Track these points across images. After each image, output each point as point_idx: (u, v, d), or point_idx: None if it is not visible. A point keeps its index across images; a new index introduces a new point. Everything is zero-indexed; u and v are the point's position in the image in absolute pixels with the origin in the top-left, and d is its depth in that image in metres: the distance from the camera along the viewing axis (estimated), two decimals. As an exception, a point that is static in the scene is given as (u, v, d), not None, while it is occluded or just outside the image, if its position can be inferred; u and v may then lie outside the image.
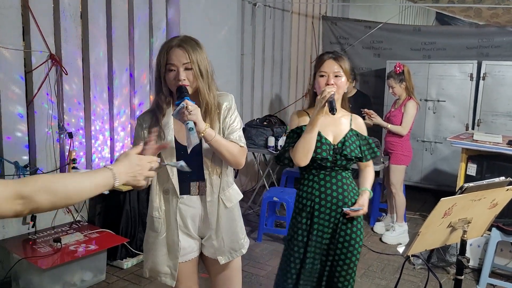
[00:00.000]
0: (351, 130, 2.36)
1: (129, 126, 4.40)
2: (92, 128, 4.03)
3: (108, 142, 4.22)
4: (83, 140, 3.98)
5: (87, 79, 3.96)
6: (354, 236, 2.31)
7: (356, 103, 4.65)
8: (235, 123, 2.04)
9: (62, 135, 3.76)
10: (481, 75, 5.64)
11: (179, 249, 2.04)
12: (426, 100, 5.94)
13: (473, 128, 5.70)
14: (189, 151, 1.87)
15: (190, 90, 1.90)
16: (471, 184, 1.84)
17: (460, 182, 4.07)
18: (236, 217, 2.14)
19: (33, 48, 3.51)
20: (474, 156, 4.04)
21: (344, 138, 2.31)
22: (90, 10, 3.89)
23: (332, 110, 2.12)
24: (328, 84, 2.23)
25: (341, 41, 7.23)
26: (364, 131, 2.42)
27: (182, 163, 1.69)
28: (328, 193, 2.28)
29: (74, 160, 3.77)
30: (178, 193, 2.01)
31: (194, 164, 1.90)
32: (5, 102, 3.36)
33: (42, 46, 3.55)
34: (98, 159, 4.12)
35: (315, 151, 2.24)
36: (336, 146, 2.28)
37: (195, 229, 2.10)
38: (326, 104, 2.14)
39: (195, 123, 1.82)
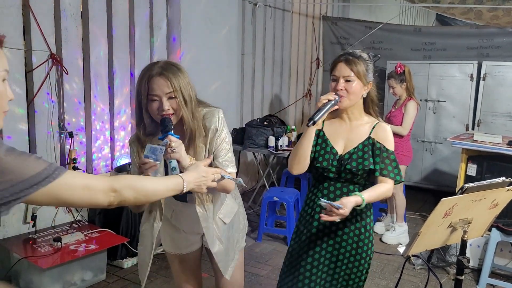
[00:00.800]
0: (369, 139, 2.11)
1: (130, 125, 4.40)
2: (93, 127, 4.03)
3: (109, 142, 4.23)
4: (84, 139, 3.98)
5: (88, 78, 3.96)
6: (360, 251, 2.16)
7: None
8: (223, 145, 1.94)
9: (62, 135, 3.76)
10: (481, 75, 5.64)
11: (149, 260, 2.04)
12: (426, 101, 5.95)
13: (473, 129, 5.70)
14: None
15: (175, 119, 1.83)
16: (471, 185, 1.85)
17: (460, 182, 4.08)
18: (235, 226, 2.16)
19: (34, 48, 3.51)
20: (474, 156, 4.04)
21: (354, 148, 2.10)
22: (91, 10, 3.89)
23: (310, 120, 1.96)
24: (336, 89, 2.06)
25: (342, 41, 7.23)
26: (386, 142, 2.11)
27: (240, 180, 1.84)
28: None
29: (74, 160, 3.78)
30: (160, 220, 2.00)
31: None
32: (6, 102, 3.36)
33: (43, 45, 3.55)
34: (99, 159, 4.12)
35: (317, 160, 2.12)
36: (341, 157, 2.10)
37: (194, 228, 2.09)
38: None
39: (178, 161, 1.77)
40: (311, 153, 2.12)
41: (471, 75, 5.70)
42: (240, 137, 5.17)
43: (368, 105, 2.19)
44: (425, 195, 5.96)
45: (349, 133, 2.14)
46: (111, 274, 3.59)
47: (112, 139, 4.25)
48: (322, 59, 7.56)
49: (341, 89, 2.06)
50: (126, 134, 4.35)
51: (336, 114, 2.17)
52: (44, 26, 3.53)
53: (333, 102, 2.03)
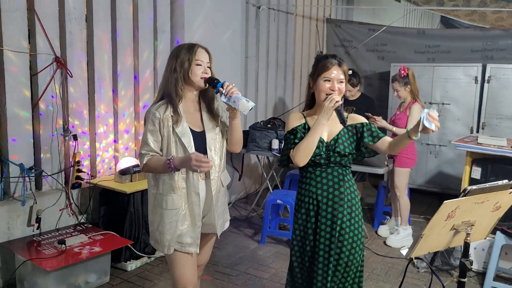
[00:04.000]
0: (348, 127, 2.40)
1: (133, 128, 4.42)
2: (97, 130, 4.05)
3: (113, 145, 4.24)
4: (88, 142, 4.00)
5: (92, 81, 3.98)
6: (357, 232, 2.36)
7: (360, 106, 4.65)
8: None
9: (66, 137, 3.78)
10: (486, 78, 5.63)
11: (200, 219, 2.32)
12: (430, 103, 5.93)
13: (477, 131, 5.68)
14: (246, 113, 2.20)
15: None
16: (474, 187, 1.84)
17: (464, 185, 4.06)
18: (225, 194, 2.53)
19: (39, 51, 3.53)
20: (479, 159, 4.03)
21: (337, 135, 2.36)
22: (95, 13, 3.92)
23: (344, 123, 2.23)
24: (333, 90, 2.28)
25: (345, 44, 7.23)
26: (359, 120, 2.41)
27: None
28: (324, 189, 2.33)
29: (78, 162, 3.79)
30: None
31: (200, 151, 2.19)
32: (11, 104, 3.39)
33: (48, 48, 3.58)
34: (102, 162, 4.14)
35: None
36: (328, 143, 2.34)
37: (202, 211, 2.35)
38: (334, 112, 2.23)
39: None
40: (294, 143, 2.34)
41: (476, 78, 5.69)
42: (243, 139, 5.16)
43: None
44: (429, 198, 5.94)
45: (330, 125, 2.34)
46: (115, 276, 3.60)
47: (115, 141, 4.27)
48: (326, 62, 7.54)
49: (337, 90, 2.28)
50: (129, 136, 4.37)
51: (315, 110, 2.41)
52: (48, 29, 3.56)
53: (341, 103, 2.26)
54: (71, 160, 3.80)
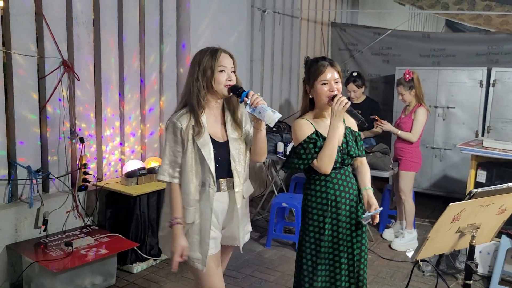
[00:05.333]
0: (347, 128, 2.47)
1: (139, 131, 4.44)
2: (103, 133, 4.08)
3: (119, 148, 4.27)
4: (94, 145, 4.03)
5: (99, 85, 4.01)
6: (363, 230, 2.47)
7: (366, 109, 4.66)
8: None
9: (73, 140, 3.81)
10: (491, 82, 5.62)
11: (209, 236, 2.21)
12: (435, 107, 5.93)
13: (482, 135, 5.67)
14: (272, 125, 2.09)
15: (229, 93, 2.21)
16: (479, 190, 1.85)
17: (469, 189, 4.06)
18: (247, 205, 2.43)
19: (46, 54, 3.57)
20: (484, 163, 4.03)
21: (345, 138, 2.42)
22: (102, 17, 3.95)
23: (364, 123, 2.29)
24: (332, 91, 2.32)
25: (350, 48, 7.24)
26: (356, 128, 2.53)
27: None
28: (341, 189, 2.39)
29: (85, 165, 3.82)
30: (215, 184, 2.19)
31: (224, 163, 2.21)
32: (19, 107, 3.42)
33: (55, 52, 3.61)
34: (109, 164, 4.16)
35: None
36: (341, 147, 2.38)
37: (221, 223, 2.30)
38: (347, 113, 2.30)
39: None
40: (315, 152, 2.34)
41: (481, 82, 5.68)
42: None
43: None
44: (434, 202, 5.93)
45: None
46: (120, 278, 3.62)
47: (122, 144, 4.30)
48: (330, 65, 7.55)
49: (336, 91, 2.32)
50: (136, 139, 4.39)
51: (317, 114, 2.45)
52: (56, 33, 3.60)
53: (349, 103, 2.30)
54: (77, 163, 3.83)
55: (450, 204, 1.80)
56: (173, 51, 4.71)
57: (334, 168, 2.36)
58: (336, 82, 2.34)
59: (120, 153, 4.28)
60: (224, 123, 2.28)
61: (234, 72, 2.24)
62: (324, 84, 2.33)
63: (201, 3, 4.74)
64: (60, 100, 3.69)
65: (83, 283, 3.31)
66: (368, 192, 2.45)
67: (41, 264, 3.10)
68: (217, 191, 2.21)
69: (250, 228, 2.49)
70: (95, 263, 3.35)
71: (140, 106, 4.43)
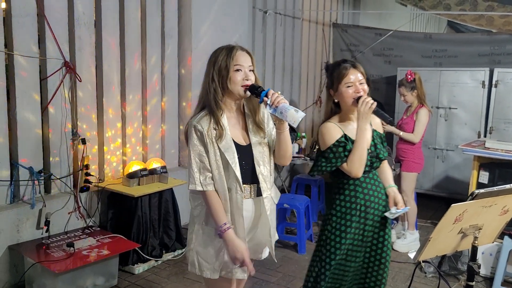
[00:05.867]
0: (374, 130, 2.43)
1: (141, 132, 4.45)
2: (105, 134, 4.08)
3: (121, 148, 4.27)
4: (96, 146, 4.03)
5: (100, 86, 4.02)
6: (389, 234, 2.45)
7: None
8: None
9: (75, 141, 3.81)
10: (493, 82, 5.61)
11: (246, 243, 2.07)
12: (437, 108, 5.92)
13: (485, 136, 5.66)
14: (296, 125, 1.96)
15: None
16: (482, 191, 1.85)
17: (471, 190, 4.05)
18: (275, 212, 2.29)
19: (48, 56, 3.57)
20: (486, 164, 4.02)
21: (373, 141, 2.38)
22: (104, 18, 3.96)
23: (392, 123, 2.34)
24: (358, 93, 2.28)
25: (352, 48, 7.24)
26: (381, 129, 2.52)
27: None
28: (370, 194, 2.36)
29: (87, 166, 3.82)
30: (242, 190, 2.04)
31: (247, 167, 2.06)
32: (21, 108, 3.43)
33: (57, 53, 3.62)
34: (110, 165, 4.17)
35: None
36: (370, 150, 2.35)
37: (245, 231, 2.14)
38: (374, 114, 2.28)
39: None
40: (344, 156, 2.30)
41: (483, 82, 5.67)
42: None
43: None
44: (436, 203, 5.91)
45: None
46: (122, 279, 3.62)
47: (123, 145, 4.30)
48: (332, 66, 7.55)
49: (361, 92, 2.29)
50: (137, 140, 4.39)
51: (343, 117, 2.41)
52: (58, 34, 3.60)
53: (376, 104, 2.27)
54: (79, 164, 3.83)
55: (453, 205, 1.80)
56: (175, 52, 4.71)
57: (363, 172, 2.33)
58: (361, 83, 2.31)
59: (121, 154, 4.29)
60: (245, 126, 2.13)
61: (253, 70, 2.07)
62: (349, 86, 2.30)
63: (202, 4, 4.75)
64: (62, 101, 3.69)
65: (85, 284, 3.31)
66: (394, 189, 2.42)
67: (43, 264, 3.10)
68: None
69: (277, 236, 2.33)
70: (97, 264, 3.35)
71: (141, 107, 4.44)
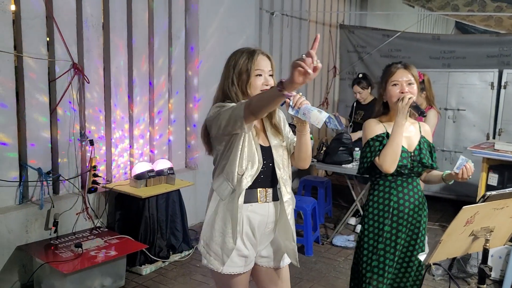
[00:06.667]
0: (422, 137, 2.40)
1: (148, 133, 4.46)
2: (113, 135, 4.09)
3: (128, 150, 4.28)
4: (104, 147, 4.04)
5: (108, 87, 4.03)
6: (423, 240, 2.41)
7: (373, 110, 4.62)
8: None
9: (83, 143, 3.83)
10: (502, 84, 5.57)
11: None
12: (446, 109, 5.88)
13: (494, 138, 5.62)
14: (320, 126, 1.84)
15: None
16: (493, 192, 1.83)
17: (481, 192, 4.02)
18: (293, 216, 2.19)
19: (57, 57, 3.59)
20: (495, 165, 3.99)
21: (419, 145, 2.35)
22: (112, 20, 3.97)
23: (422, 114, 2.23)
24: (403, 92, 2.27)
25: (359, 50, 7.22)
26: (431, 138, 2.47)
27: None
28: (406, 199, 2.32)
29: (94, 167, 3.83)
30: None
31: (266, 169, 2.02)
32: (30, 110, 3.44)
33: (65, 55, 3.63)
34: (118, 166, 4.18)
35: None
36: (412, 154, 2.32)
37: (258, 239, 2.08)
38: (410, 109, 2.25)
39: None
40: (379, 150, 2.29)
41: (492, 84, 5.63)
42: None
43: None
44: (444, 205, 5.88)
45: (406, 132, 2.33)
46: (130, 280, 3.62)
47: (131, 147, 4.31)
48: (339, 67, 7.55)
49: (407, 91, 2.28)
50: (144, 142, 4.40)
51: (391, 117, 2.38)
52: (66, 36, 3.62)
53: (414, 99, 2.27)
54: (87, 165, 3.84)
55: (464, 207, 1.78)
56: (182, 54, 4.72)
57: (401, 174, 2.30)
58: (409, 84, 2.30)
59: (129, 155, 4.30)
60: (264, 130, 2.10)
61: (272, 75, 2.05)
62: (395, 85, 2.31)
63: (209, 6, 4.76)
64: (70, 102, 3.71)
65: (93, 284, 3.32)
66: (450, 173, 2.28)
67: (52, 265, 3.12)
68: (255, 202, 2.03)
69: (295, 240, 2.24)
70: (104, 265, 3.36)
71: (149, 108, 4.45)
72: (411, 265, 2.40)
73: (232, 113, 1.84)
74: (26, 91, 3.41)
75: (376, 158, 2.28)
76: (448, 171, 2.30)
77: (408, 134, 2.36)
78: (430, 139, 2.46)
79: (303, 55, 1.54)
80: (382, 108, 2.43)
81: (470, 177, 2.19)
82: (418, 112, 2.25)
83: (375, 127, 2.35)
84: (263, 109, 1.79)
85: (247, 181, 1.96)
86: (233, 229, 1.97)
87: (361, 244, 2.41)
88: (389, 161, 2.23)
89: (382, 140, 2.30)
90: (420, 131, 2.41)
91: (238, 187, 1.96)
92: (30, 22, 3.37)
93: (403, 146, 2.29)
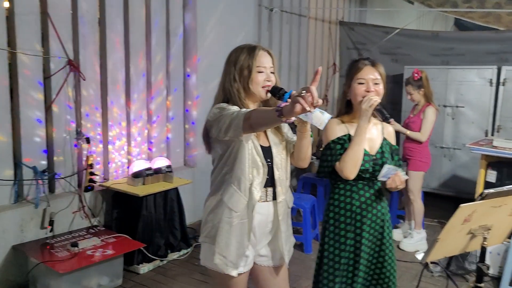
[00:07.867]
0: (384, 139, 2.27)
1: (146, 131, 4.43)
2: (109, 133, 4.06)
3: (125, 147, 4.25)
4: (100, 145, 4.02)
5: (105, 84, 4.00)
6: (393, 245, 2.29)
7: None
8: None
9: (79, 140, 3.80)
10: (501, 80, 5.55)
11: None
12: (444, 106, 5.87)
13: (492, 134, 5.60)
14: (322, 128, 1.78)
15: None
16: (491, 191, 1.81)
17: (479, 189, 4.00)
18: (290, 216, 2.21)
19: (52, 54, 3.56)
20: (494, 162, 3.97)
21: (381, 148, 2.22)
22: (108, 16, 3.94)
23: (387, 120, 2.10)
24: (368, 92, 2.13)
25: (358, 47, 7.19)
26: (394, 141, 2.33)
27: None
28: (368, 203, 2.20)
29: (91, 165, 3.81)
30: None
31: (267, 168, 2.00)
32: (24, 107, 3.41)
33: (61, 51, 3.60)
34: (115, 164, 4.15)
35: None
36: (374, 157, 2.19)
37: (258, 238, 2.08)
38: (374, 112, 2.12)
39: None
40: (339, 154, 2.16)
41: (491, 80, 5.61)
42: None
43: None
44: (443, 202, 5.85)
45: (368, 133, 2.19)
46: (127, 279, 3.60)
47: (128, 144, 4.28)
48: (338, 64, 7.52)
49: (373, 91, 2.14)
50: (142, 139, 4.38)
51: (353, 117, 2.24)
52: (62, 32, 3.58)
53: (379, 102, 2.14)
54: (84, 163, 3.82)
55: (461, 205, 1.76)
56: (180, 51, 4.69)
57: (362, 179, 2.17)
58: (376, 83, 2.15)
59: (126, 153, 4.27)
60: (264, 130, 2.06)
61: (273, 73, 2.02)
62: (361, 83, 2.15)
63: (208, 1, 4.72)
64: (65, 100, 3.68)
65: (90, 284, 3.30)
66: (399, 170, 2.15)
67: (47, 264, 3.09)
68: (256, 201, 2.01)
69: (294, 239, 2.28)
70: (101, 264, 3.33)
71: (146, 106, 4.42)
72: (382, 276, 2.25)
73: (232, 121, 1.82)
74: (20, 88, 3.38)
75: (337, 163, 2.15)
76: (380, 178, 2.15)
77: (370, 136, 2.22)
78: (393, 141, 2.32)
79: (303, 92, 1.53)
80: (345, 106, 2.27)
81: (399, 187, 2.10)
82: (383, 117, 2.10)
83: (336, 128, 2.21)
84: (260, 127, 1.81)
85: (257, 192, 1.96)
86: (247, 238, 1.98)
87: (324, 254, 2.26)
88: (349, 167, 2.10)
89: (343, 143, 2.17)
90: (383, 133, 2.28)
91: (251, 200, 1.96)
92: (24, 18, 3.34)
93: (365, 149, 2.16)
